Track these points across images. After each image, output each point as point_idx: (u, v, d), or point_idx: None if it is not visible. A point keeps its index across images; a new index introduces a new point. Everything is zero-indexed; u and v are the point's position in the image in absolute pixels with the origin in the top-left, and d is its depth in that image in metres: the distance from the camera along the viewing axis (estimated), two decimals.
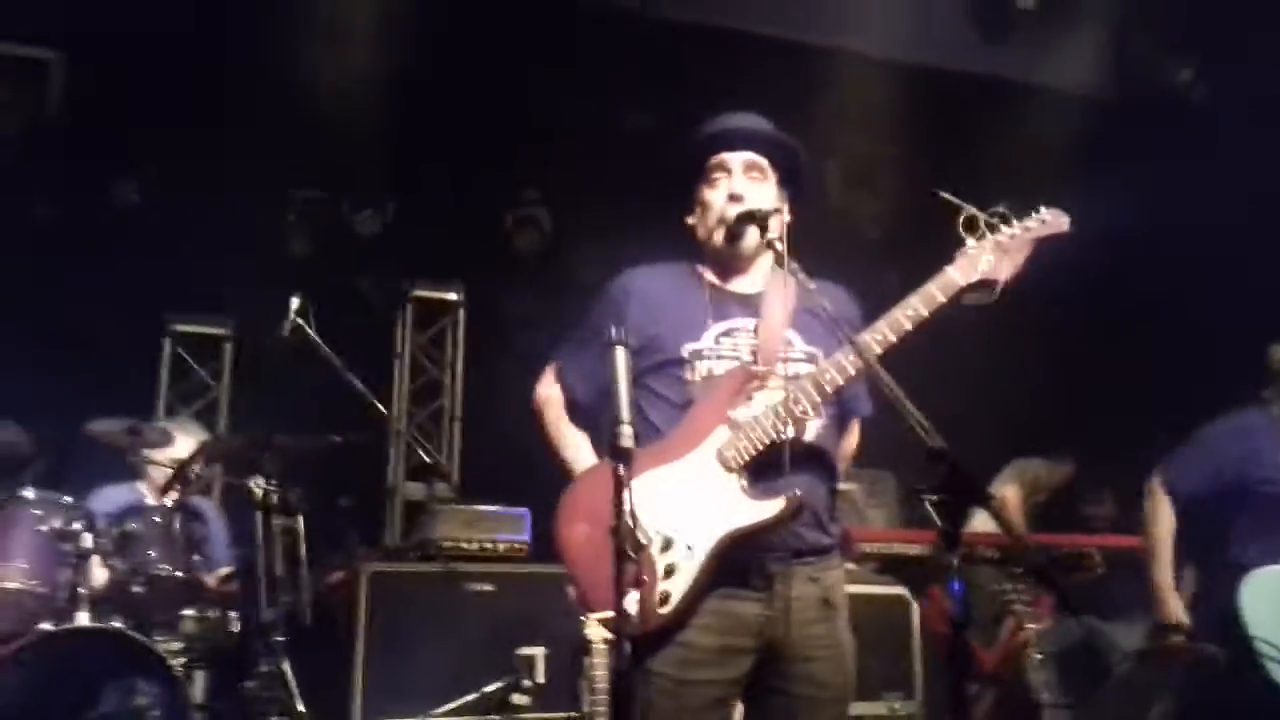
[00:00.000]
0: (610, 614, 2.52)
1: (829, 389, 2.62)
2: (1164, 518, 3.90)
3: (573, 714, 4.65)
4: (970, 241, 2.67)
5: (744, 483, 2.65)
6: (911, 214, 6.75)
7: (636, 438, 2.61)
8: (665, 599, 2.60)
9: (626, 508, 2.45)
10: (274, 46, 5.61)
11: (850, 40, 6.17)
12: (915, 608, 5.81)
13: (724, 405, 2.68)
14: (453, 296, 6.82)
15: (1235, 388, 4.16)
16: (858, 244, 6.60)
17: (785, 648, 2.67)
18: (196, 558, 4.70)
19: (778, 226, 2.74)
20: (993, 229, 2.68)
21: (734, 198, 2.77)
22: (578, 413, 2.91)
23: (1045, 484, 6.28)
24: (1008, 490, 6.25)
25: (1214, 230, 5.71)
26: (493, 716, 4.66)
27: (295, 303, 4.95)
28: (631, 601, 2.49)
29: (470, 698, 4.65)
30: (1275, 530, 3.77)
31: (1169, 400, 6.06)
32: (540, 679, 4.71)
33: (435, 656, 4.72)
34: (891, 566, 4.90)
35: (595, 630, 4.15)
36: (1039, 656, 5.00)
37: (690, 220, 2.89)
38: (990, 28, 6.28)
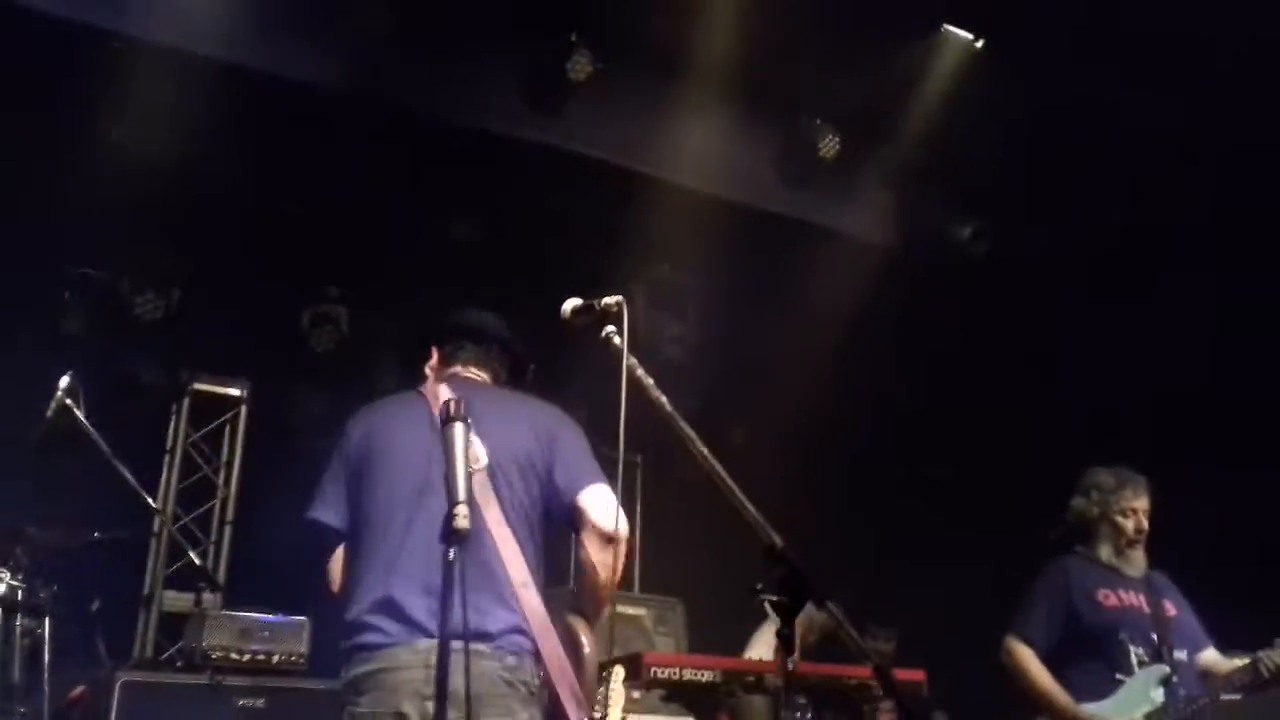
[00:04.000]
0: None
1: None
2: (1036, 664, 4.09)
3: None
4: None
5: None
6: (712, 339, 6.93)
7: None
8: None
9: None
10: (62, 111, 5.29)
11: (664, 171, 6.34)
12: None
13: None
14: (235, 392, 6.45)
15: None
16: (659, 365, 6.66)
17: None
18: None
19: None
20: None
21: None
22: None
23: (820, 626, 6.39)
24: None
25: (992, 389, 6.11)
26: None
27: (65, 381, 4.60)
28: None
29: None
30: (1102, 657, 4.04)
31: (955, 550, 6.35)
32: None
33: None
34: (680, 693, 4.82)
35: None
36: None
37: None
38: (792, 174, 6.58)
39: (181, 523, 6.29)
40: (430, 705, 2.49)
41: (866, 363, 6.54)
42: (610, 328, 2.72)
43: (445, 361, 3.17)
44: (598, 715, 3.83)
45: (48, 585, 4.50)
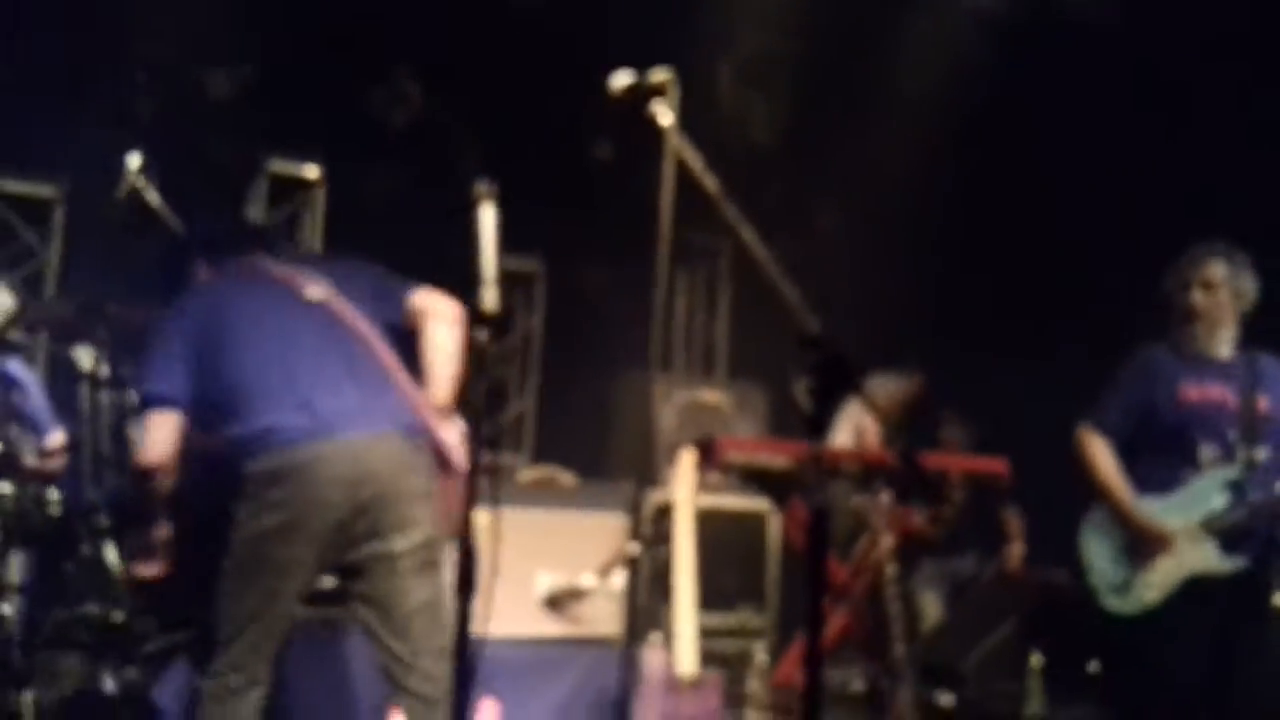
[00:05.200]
0: None
1: None
2: (1107, 456, 3.96)
3: None
4: None
5: None
6: (805, 120, 6.59)
7: None
8: None
9: None
10: None
11: None
12: (774, 521, 5.77)
13: None
14: (312, 175, 6.37)
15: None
16: (747, 149, 6.38)
17: None
18: (15, 430, 4.32)
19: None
20: None
21: None
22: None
23: (901, 399, 6.27)
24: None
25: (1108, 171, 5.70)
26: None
27: (134, 162, 4.57)
28: None
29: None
30: (1170, 453, 3.88)
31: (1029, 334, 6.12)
32: None
33: None
34: (755, 478, 4.81)
35: None
36: (892, 570, 5.02)
37: None
38: None
39: None
40: (359, 490, 2.97)
41: (972, 144, 6.15)
42: (658, 105, 2.64)
43: (215, 271, 3.48)
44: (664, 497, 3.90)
45: (133, 360, 4.59)
